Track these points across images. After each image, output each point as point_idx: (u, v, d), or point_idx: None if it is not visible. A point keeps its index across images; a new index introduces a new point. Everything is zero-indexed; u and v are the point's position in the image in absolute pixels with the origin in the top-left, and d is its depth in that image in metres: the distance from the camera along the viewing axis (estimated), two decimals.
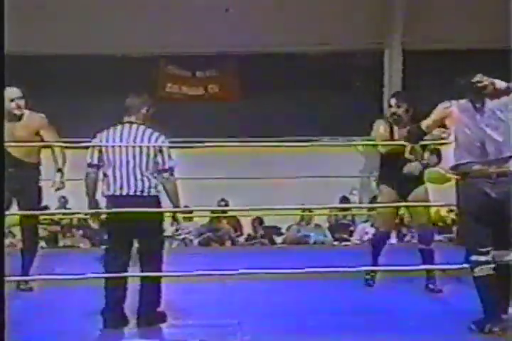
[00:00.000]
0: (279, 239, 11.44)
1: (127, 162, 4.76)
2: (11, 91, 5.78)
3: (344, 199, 11.97)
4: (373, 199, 9.62)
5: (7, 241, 10.78)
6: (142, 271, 4.79)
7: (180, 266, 5.87)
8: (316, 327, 4.68)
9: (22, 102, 5.86)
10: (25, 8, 12.28)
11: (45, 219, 11.16)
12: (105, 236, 5.10)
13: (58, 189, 5.94)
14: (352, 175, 11.50)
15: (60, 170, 5.89)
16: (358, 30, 12.77)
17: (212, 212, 11.09)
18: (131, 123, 4.97)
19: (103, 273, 4.79)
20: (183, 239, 11.29)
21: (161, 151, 4.83)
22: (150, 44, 12.55)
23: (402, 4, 12.75)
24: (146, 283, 4.79)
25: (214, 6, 12.67)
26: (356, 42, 12.88)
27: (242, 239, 11.52)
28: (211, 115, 12.62)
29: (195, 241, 11.21)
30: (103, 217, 4.99)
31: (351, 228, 11.40)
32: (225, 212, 11.48)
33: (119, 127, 4.94)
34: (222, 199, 11.59)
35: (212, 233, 11.13)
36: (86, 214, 9.81)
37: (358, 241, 10.76)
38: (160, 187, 4.83)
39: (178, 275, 5.21)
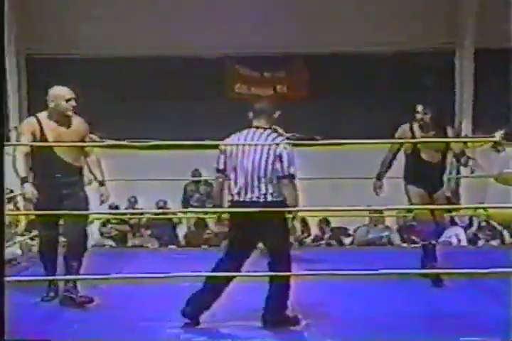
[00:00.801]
0: (346, 240, 11.36)
1: (247, 167, 4.74)
2: (67, 91, 5.48)
3: None
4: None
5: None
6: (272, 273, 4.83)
7: (248, 267, 5.87)
8: (390, 328, 4.63)
9: (74, 104, 5.49)
10: (83, 9, 12.58)
11: (115, 219, 11.33)
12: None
13: (103, 202, 5.67)
14: None
15: (101, 183, 5.57)
16: (428, 30, 12.63)
17: None
18: (258, 128, 4.98)
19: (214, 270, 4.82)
20: None
21: (281, 157, 4.74)
22: (219, 45, 12.63)
23: (473, 3, 12.55)
24: (275, 285, 4.79)
25: (284, 6, 12.69)
26: (427, 41, 12.72)
27: (309, 240, 11.46)
28: (280, 115, 12.60)
29: None
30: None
31: None
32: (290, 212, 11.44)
33: (245, 131, 4.95)
34: None
35: None
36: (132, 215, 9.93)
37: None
38: (278, 193, 4.75)
39: (244, 275, 5.20)
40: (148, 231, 11.36)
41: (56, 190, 5.24)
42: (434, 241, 6.21)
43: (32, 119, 5.36)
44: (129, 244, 11.23)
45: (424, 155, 6.16)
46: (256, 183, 4.70)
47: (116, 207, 11.65)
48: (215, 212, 5.24)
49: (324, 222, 11.37)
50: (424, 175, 6.11)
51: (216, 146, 4.96)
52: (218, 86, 12.97)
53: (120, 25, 12.56)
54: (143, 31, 12.52)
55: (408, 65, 12.92)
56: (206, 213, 11.21)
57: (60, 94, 5.39)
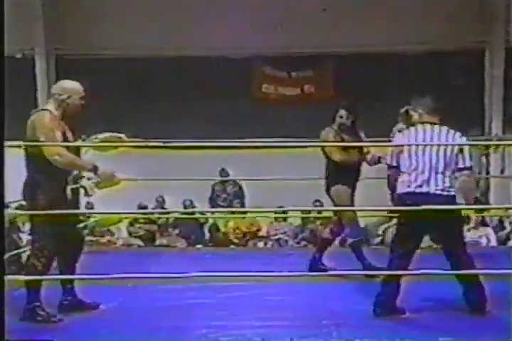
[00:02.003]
0: (375, 241, 11.30)
1: (430, 161, 4.86)
2: (81, 88, 5.14)
3: None
4: (475, 200, 9.38)
5: (105, 240, 11.05)
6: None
7: (276, 267, 5.88)
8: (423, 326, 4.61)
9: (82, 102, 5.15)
10: (111, 10, 12.66)
11: (143, 218, 11.38)
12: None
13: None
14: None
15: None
16: (457, 29, 12.53)
17: (307, 212, 11.07)
18: (432, 123, 5.09)
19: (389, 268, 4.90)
20: (278, 239, 11.31)
21: (461, 150, 4.89)
22: (246, 45, 12.63)
23: (503, 2, 12.44)
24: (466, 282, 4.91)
25: (311, 6, 12.67)
26: (456, 41, 12.61)
27: (337, 240, 11.41)
28: (307, 115, 12.60)
29: (291, 242, 11.20)
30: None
31: None
32: (320, 212, 11.43)
33: (419, 127, 5.05)
34: (317, 200, 11.54)
35: (307, 233, 11.11)
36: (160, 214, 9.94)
37: None
38: (453, 187, 4.88)
39: (273, 276, 5.19)
40: (176, 231, 11.40)
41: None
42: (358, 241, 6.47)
43: (50, 114, 4.92)
44: (157, 243, 11.27)
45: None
46: (440, 176, 4.83)
47: (145, 207, 11.71)
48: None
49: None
50: (347, 175, 6.40)
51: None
52: (245, 86, 12.97)
53: (147, 26, 12.62)
54: (170, 31, 12.57)
55: (436, 65, 12.83)
56: (233, 213, 11.25)
57: (77, 89, 5.06)
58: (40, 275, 4.72)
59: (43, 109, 4.99)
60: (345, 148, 6.37)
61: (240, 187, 12.17)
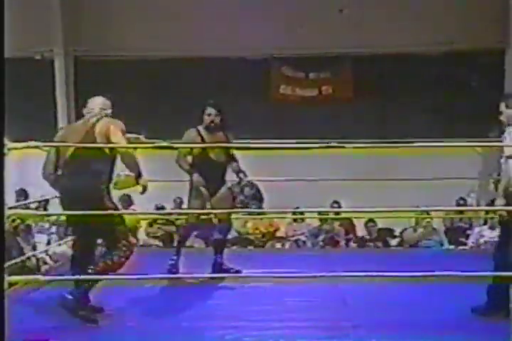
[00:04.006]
0: (393, 242, 11.27)
1: None
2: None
3: (461, 201, 11.68)
4: (491, 202, 9.32)
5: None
6: None
7: (293, 268, 5.88)
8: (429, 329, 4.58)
9: None
10: (129, 11, 12.72)
11: (161, 219, 11.41)
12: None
13: None
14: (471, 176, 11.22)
15: None
16: (478, 29, 12.45)
17: (325, 213, 11.05)
18: None
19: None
20: (296, 240, 11.30)
21: None
22: (264, 46, 12.63)
23: None
24: None
25: (328, 6, 12.65)
26: (475, 41, 12.53)
27: (354, 241, 11.40)
28: (325, 116, 12.60)
29: (308, 243, 11.19)
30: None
31: (468, 231, 11.10)
32: (337, 213, 11.41)
33: None
34: (335, 201, 11.53)
35: (325, 235, 11.09)
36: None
37: (473, 245, 10.46)
38: None
39: (291, 277, 5.19)
40: (194, 232, 11.40)
41: None
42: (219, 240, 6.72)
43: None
44: (175, 244, 11.26)
45: (212, 156, 6.51)
46: None
47: (162, 208, 11.74)
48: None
49: (371, 222, 11.29)
50: (211, 175, 6.39)
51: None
52: (263, 87, 12.97)
53: (166, 27, 12.64)
54: (189, 32, 12.59)
55: (455, 65, 12.76)
56: (250, 214, 11.24)
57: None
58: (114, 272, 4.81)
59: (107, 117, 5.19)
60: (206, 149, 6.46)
61: (258, 190, 12.15)
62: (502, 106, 5.26)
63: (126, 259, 4.87)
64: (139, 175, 4.96)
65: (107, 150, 4.89)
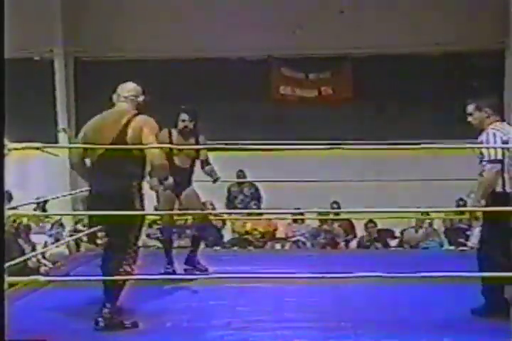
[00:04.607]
0: (393, 243, 11.28)
1: None
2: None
3: (461, 201, 11.67)
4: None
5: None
6: None
7: (294, 268, 5.88)
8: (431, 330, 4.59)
9: None
10: (130, 11, 12.73)
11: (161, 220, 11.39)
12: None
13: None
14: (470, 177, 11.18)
15: None
16: (476, 30, 12.45)
17: (324, 214, 11.05)
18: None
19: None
20: (296, 241, 11.30)
21: None
22: (264, 46, 12.63)
23: None
24: None
25: (328, 7, 12.66)
26: (475, 42, 12.53)
27: (355, 242, 11.41)
28: (324, 117, 12.59)
29: (308, 244, 11.19)
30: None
31: (468, 232, 11.09)
32: (337, 214, 11.42)
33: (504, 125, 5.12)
34: (335, 202, 11.53)
35: (324, 235, 11.10)
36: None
37: (473, 246, 10.45)
38: None
39: (293, 278, 5.19)
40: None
41: None
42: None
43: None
44: (175, 244, 11.26)
45: (177, 161, 6.54)
46: None
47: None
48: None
49: (370, 223, 11.28)
50: (174, 179, 6.13)
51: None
52: (263, 87, 12.97)
53: (166, 28, 12.65)
54: (188, 33, 12.59)
55: (456, 66, 12.77)
56: (250, 214, 11.24)
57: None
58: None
59: (139, 113, 4.97)
60: (174, 150, 6.46)
61: (257, 189, 12.15)
62: (471, 108, 5.26)
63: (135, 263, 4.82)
64: (165, 178, 4.89)
65: (137, 152, 4.77)
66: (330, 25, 12.62)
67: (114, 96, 5.09)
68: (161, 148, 4.93)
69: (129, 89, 5.09)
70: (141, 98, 5.11)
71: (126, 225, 4.73)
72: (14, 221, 9.02)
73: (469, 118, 5.29)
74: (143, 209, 4.91)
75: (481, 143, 5.13)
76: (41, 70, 13.00)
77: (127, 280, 4.72)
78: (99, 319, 4.63)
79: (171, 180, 4.91)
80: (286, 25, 12.57)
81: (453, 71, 12.72)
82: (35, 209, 11.12)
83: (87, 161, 4.98)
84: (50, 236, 10.51)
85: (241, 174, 11.89)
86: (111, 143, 4.71)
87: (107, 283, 4.70)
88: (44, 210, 11.13)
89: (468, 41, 12.53)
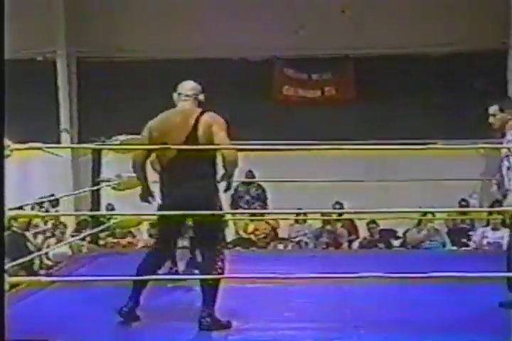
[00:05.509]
0: (395, 243, 11.27)
1: None
2: None
3: (463, 202, 11.67)
4: (494, 203, 9.31)
5: (125, 241, 11.09)
6: None
7: (296, 268, 5.88)
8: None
9: None
10: (133, 12, 12.74)
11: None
12: None
13: None
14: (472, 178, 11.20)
15: None
16: (480, 30, 12.44)
17: (327, 214, 11.04)
18: None
19: None
20: (299, 241, 11.30)
21: None
22: (267, 47, 12.64)
23: None
24: None
25: (330, 7, 12.66)
26: (479, 42, 12.52)
27: (357, 242, 11.41)
28: (327, 117, 12.59)
29: (311, 244, 11.19)
30: None
31: (471, 232, 11.08)
32: (340, 214, 11.41)
33: None
34: (337, 202, 11.52)
35: (327, 236, 11.10)
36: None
37: (476, 246, 10.45)
38: None
39: (296, 278, 5.19)
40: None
41: None
42: None
43: None
44: (179, 245, 11.25)
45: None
46: None
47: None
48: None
49: (373, 224, 11.27)
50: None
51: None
52: (266, 88, 12.97)
53: (168, 28, 12.66)
54: (191, 33, 12.60)
55: (458, 66, 12.76)
56: (252, 215, 11.22)
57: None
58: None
59: (206, 111, 4.86)
60: None
61: (264, 190, 12.03)
62: (494, 109, 5.27)
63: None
64: (230, 176, 4.75)
65: (210, 151, 4.73)
66: (332, 26, 12.62)
67: (175, 95, 5.04)
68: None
69: (191, 87, 5.02)
70: (202, 96, 5.00)
71: (213, 224, 4.72)
72: (14, 220, 9.00)
73: (491, 119, 5.28)
74: (221, 208, 4.84)
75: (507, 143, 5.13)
76: (44, 71, 13.01)
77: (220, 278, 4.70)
78: (202, 320, 4.63)
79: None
80: (288, 25, 12.57)
81: (456, 71, 12.71)
82: (45, 209, 11.12)
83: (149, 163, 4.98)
84: (53, 236, 10.51)
85: (249, 174, 11.75)
86: (183, 144, 4.67)
87: (205, 283, 4.69)
88: (47, 211, 11.15)
89: (470, 41, 12.52)
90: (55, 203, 11.45)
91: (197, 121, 4.74)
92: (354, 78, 13.07)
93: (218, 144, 4.67)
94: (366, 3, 12.65)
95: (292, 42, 12.59)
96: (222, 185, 4.80)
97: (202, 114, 4.80)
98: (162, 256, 5.12)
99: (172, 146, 4.70)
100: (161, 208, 4.92)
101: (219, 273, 4.67)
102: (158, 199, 5.00)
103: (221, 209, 4.85)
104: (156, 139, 4.81)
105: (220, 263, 4.70)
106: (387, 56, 12.72)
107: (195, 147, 4.68)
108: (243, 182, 12.03)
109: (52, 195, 10.26)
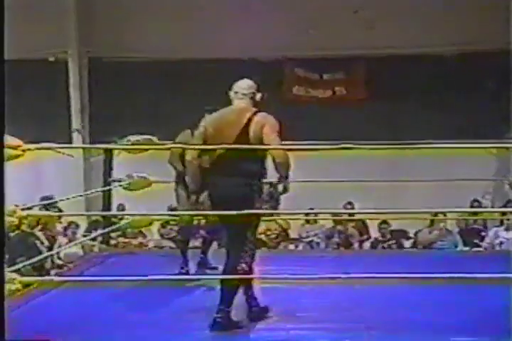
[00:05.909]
0: (407, 243, 11.24)
1: None
2: None
3: (475, 203, 11.63)
4: (507, 203, 9.29)
5: (137, 241, 11.11)
6: None
7: (307, 269, 5.87)
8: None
9: None
10: (144, 12, 12.76)
11: (174, 220, 11.41)
12: None
13: None
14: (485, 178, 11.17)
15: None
16: (490, 30, 12.40)
17: (338, 215, 11.03)
18: None
19: None
20: (310, 241, 11.29)
21: None
22: (278, 47, 12.63)
23: None
24: None
25: (342, 7, 12.64)
26: (489, 42, 12.48)
27: (368, 243, 11.39)
28: (338, 117, 12.58)
29: (322, 244, 11.18)
30: None
31: (483, 233, 11.04)
32: (351, 215, 11.39)
33: None
34: (349, 203, 11.51)
35: (338, 236, 11.08)
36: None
37: (489, 246, 10.41)
38: None
39: (307, 279, 5.18)
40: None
41: None
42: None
43: None
44: (189, 245, 11.26)
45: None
46: None
47: (175, 209, 11.72)
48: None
49: (384, 224, 11.25)
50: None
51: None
52: (276, 88, 12.96)
53: (178, 28, 12.67)
54: (202, 33, 12.60)
55: (469, 66, 12.72)
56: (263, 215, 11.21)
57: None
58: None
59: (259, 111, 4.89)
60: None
61: (277, 189, 12.05)
62: None
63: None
64: (286, 177, 4.78)
65: (258, 151, 4.73)
66: (344, 26, 12.61)
67: (231, 94, 5.03)
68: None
69: (248, 86, 5.00)
70: (258, 95, 4.99)
71: (245, 224, 4.70)
72: (25, 218, 9.01)
73: None
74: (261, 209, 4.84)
75: None
76: (55, 71, 13.05)
77: (241, 279, 4.69)
78: (217, 319, 4.62)
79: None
80: (300, 25, 12.56)
81: (466, 71, 12.67)
82: (53, 209, 11.14)
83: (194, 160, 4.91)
84: (65, 236, 10.54)
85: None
86: (233, 143, 4.67)
87: (225, 282, 4.69)
88: (60, 210, 11.16)
89: (482, 42, 12.48)
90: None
91: (249, 120, 4.76)
92: (365, 78, 13.07)
93: (268, 145, 4.67)
94: (378, 4, 12.63)
95: (303, 43, 12.58)
96: (279, 187, 4.88)
97: (255, 113, 4.82)
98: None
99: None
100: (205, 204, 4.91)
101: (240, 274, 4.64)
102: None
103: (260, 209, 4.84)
104: (210, 135, 4.83)
105: (243, 265, 4.66)
106: (398, 56, 12.70)
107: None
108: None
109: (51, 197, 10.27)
